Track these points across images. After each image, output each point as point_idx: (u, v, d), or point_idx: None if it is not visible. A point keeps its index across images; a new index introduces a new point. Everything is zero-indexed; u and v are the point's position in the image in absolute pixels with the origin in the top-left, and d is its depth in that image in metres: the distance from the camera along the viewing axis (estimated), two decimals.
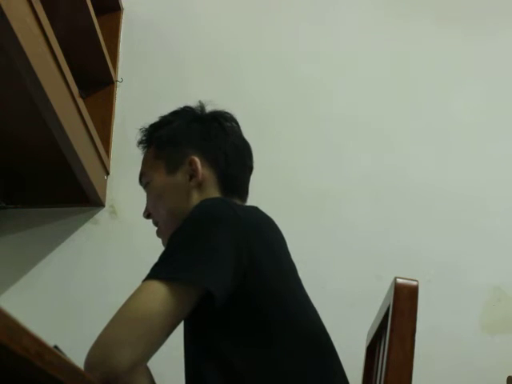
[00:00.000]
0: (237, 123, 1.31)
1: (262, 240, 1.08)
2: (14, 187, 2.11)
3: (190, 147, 1.24)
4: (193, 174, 1.21)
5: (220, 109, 1.30)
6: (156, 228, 1.28)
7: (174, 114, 1.31)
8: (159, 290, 0.94)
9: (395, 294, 1.03)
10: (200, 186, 1.21)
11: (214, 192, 1.21)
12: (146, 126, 1.32)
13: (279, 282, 1.08)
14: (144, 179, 1.28)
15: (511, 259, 2.16)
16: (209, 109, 1.30)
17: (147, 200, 1.28)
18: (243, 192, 1.28)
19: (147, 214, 1.28)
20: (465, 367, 2.02)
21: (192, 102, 1.33)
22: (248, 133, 1.32)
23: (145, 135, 1.31)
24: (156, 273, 0.97)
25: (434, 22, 2.44)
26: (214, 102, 1.30)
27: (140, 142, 1.31)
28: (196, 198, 1.18)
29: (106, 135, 2.20)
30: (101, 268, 2.09)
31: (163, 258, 1.00)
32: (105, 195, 2.16)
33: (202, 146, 1.24)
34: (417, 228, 2.19)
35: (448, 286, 2.11)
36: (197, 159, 1.22)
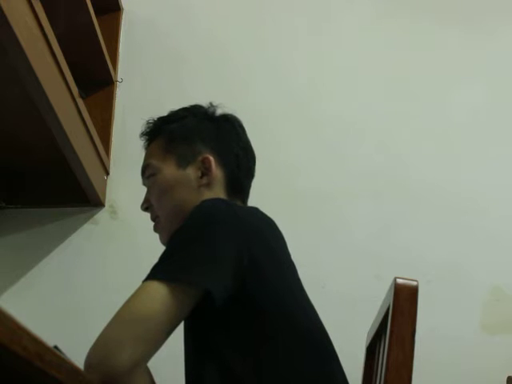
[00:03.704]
0: (244, 129, 1.31)
1: (262, 241, 1.08)
2: (13, 187, 2.11)
3: (203, 145, 1.24)
4: (205, 171, 1.21)
5: (229, 112, 1.30)
6: (153, 223, 1.27)
7: (185, 109, 1.30)
8: (159, 290, 0.94)
9: (395, 295, 1.03)
10: (209, 184, 1.21)
11: (220, 192, 1.21)
12: (154, 118, 1.30)
13: (279, 283, 1.07)
14: (149, 171, 1.26)
15: (511, 259, 2.16)
16: (219, 111, 1.30)
17: (149, 192, 1.27)
18: (245, 196, 1.28)
19: (145, 207, 1.27)
20: (465, 367, 2.02)
21: (192, 102, 1.33)
22: (247, 133, 1.32)
23: (152, 127, 1.29)
24: (156, 273, 0.97)
25: (433, 22, 2.44)
26: (214, 102, 1.30)
27: (145, 134, 1.30)
28: (204, 196, 1.17)
29: (106, 135, 2.20)
30: (100, 268, 2.09)
31: (163, 258, 1.00)
32: (104, 195, 2.16)
33: (215, 145, 1.24)
34: (416, 228, 2.19)
35: (448, 286, 2.11)
36: (211, 158, 1.22)
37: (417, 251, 2.14)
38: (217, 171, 1.22)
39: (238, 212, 1.07)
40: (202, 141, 1.24)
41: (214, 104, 1.30)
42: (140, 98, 2.29)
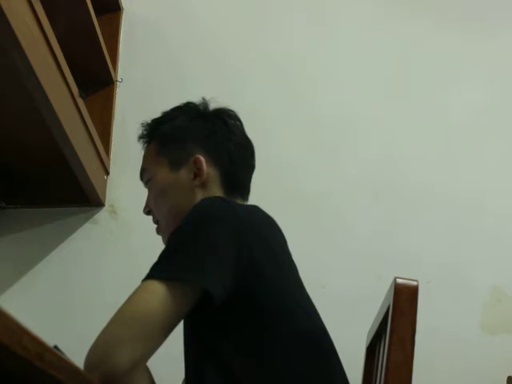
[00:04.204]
0: (240, 121, 1.30)
1: (262, 239, 1.08)
2: (14, 187, 2.11)
3: (194, 144, 1.23)
4: (197, 172, 1.21)
5: (223, 106, 1.30)
6: (156, 226, 1.27)
7: (177, 109, 1.30)
8: (158, 289, 0.94)
9: (395, 295, 1.03)
10: (204, 184, 1.20)
11: (217, 191, 1.21)
12: (148, 120, 1.31)
13: (279, 282, 1.07)
14: (146, 175, 1.27)
15: (511, 259, 2.16)
16: (212, 106, 1.30)
17: (148, 196, 1.27)
18: (245, 191, 1.27)
19: (147, 211, 1.27)
20: (465, 367, 2.02)
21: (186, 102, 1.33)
22: (247, 133, 1.32)
23: (146, 130, 1.30)
24: (155, 272, 0.97)
25: (433, 21, 2.44)
26: (207, 97, 1.30)
27: (141, 137, 1.30)
28: (199, 197, 1.18)
29: (106, 135, 2.20)
30: (100, 268, 2.09)
31: (162, 257, 1.00)
32: (104, 195, 2.16)
33: (206, 144, 1.23)
34: (416, 228, 2.19)
35: (448, 287, 2.11)
36: (202, 158, 1.21)
37: (417, 251, 2.14)
38: (209, 170, 1.21)
39: (237, 210, 1.07)
40: (194, 141, 1.24)
41: (207, 99, 1.30)
42: (140, 98, 2.29)
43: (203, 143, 1.24)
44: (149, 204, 1.26)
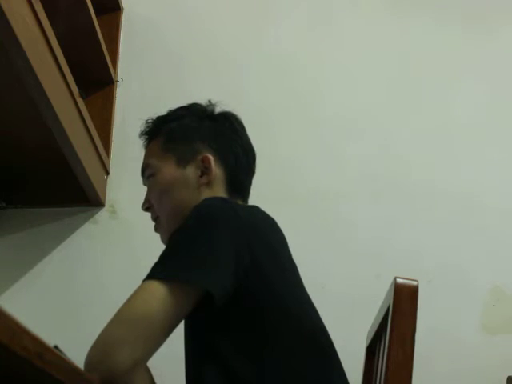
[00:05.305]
0: (244, 128, 1.31)
1: (263, 240, 1.08)
2: (13, 187, 2.11)
3: (202, 143, 1.23)
4: (204, 170, 1.21)
5: (228, 110, 1.30)
6: (154, 223, 1.27)
7: (184, 108, 1.30)
8: (159, 290, 0.94)
9: (395, 294, 1.03)
10: (209, 184, 1.21)
11: (220, 191, 1.21)
12: (153, 117, 1.30)
13: (279, 282, 1.07)
14: (148, 170, 1.26)
15: (511, 259, 2.16)
16: (217, 109, 1.30)
17: (148, 192, 1.27)
18: (246, 193, 1.28)
19: (146, 207, 1.26)
20: (465, 367, 2.02)
21: (192, 102, 1.33)
22: (247, 133, 1.32)
23: (150, 126, 1.29)
24: (156, 273, 0.97)
25: (433, 20, 2.44)
26: (213, 100, 1.30)
27: (145, 133, 1.29)
28: (204, 196, 1.17)
29: (106, 135, 2.20)
30: (100, 268, 2.09)
31: (163, 257, 1.00)
32: (105, 195, 2.16)
33: (214, 144, 1.24)
34: (417, 228, 2.19)
35: (448, 286, 2.11)
36: (211, 157, 1.21)
37: (417, 251, 2.14)
38: (216, 170, 1.22)
39: (238, 211, 1.07)
40: (201, 139, 1.24)
41: (213, 102, 1.30)
42: (140, 98, 2.29)
43: (211, 143, 1.24)
44: (150, 200, 1.25)
